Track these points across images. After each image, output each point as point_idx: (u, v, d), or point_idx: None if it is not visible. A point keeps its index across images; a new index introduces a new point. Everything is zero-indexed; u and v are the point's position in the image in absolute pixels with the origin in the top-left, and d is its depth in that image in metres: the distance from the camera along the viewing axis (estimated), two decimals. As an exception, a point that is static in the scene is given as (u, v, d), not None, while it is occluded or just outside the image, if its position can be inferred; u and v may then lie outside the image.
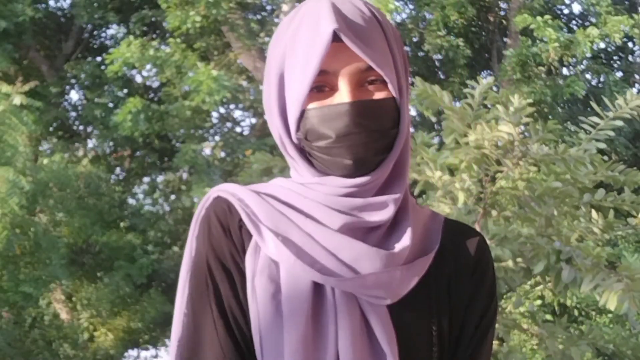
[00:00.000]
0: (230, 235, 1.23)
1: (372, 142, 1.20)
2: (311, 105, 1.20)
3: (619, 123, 3.81)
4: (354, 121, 1.18)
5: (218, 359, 1.20)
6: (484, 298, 1.31)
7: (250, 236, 1.22)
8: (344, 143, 1.19)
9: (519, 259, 3.58)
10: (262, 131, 12.84)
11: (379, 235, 1.22)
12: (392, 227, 1.24)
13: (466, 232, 1.34)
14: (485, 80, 3.75)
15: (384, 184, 1.24)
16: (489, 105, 3.82)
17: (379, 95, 1.21)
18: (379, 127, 1.20)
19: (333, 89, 1.20)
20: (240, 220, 1.23)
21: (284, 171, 3.89)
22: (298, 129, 1.22)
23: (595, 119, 3.82)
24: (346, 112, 1.18)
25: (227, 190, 1.26)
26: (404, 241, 1.22)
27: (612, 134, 3.83)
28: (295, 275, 1.18)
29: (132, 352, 13.48)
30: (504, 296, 4.84)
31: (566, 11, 14.26)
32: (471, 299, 1.29)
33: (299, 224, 1.21)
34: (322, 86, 1.20)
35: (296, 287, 1.18)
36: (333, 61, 1.18)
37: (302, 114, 1.21)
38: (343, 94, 1.19)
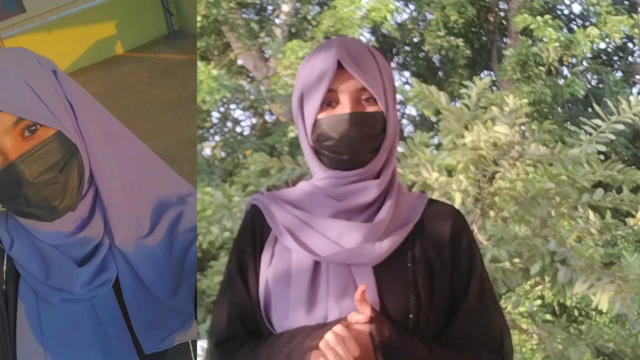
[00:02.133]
0: (253, 233, 1.67)
1: (364, 143, 1.59)
2: (321, 115, 1.60)
3: (621, 127, 3.80)
4: (352, 126, 1.58)
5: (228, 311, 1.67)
6: (465, 255, 1.63)
7: (269, 230, 1.65)
8: (343, 142, 1.58)
9: (517, 260, 3.57)
10: (262, 131, 12.83)
11: (370, 212, 1.61)
12: (381, 205, 1.61)
13: (444, 208, 1.69)
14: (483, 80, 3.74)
15: (377, 175, 1.61)
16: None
17: (370, 109, 1.60)
18: (370, 132, 1.59)
19: (337, 104, 1.59)
20: (264, 218, 1.67)
21: (282, 172, 3.90)
22: (313, 133, 1.61)
23: (597, 121, 3.81)
24: (346, 120, 1.58)
25: (257, 199, 1.71)
26: (382, 215, 1.60)
27: (612, 137, 3.82)
28: (300, 256, 1.59)
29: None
30: (503, 296, 4.84)
31: (566, 11, 14.26)
32: (454, 258, 1.62)
33: (301, 218, 1.61)
34: (330, 101, 1.59)
35: (301, 264, 1.58)
36: (338, 82, 1.58)
37: (316, 122, 1.60)
38: (344, 106, 1.59)
